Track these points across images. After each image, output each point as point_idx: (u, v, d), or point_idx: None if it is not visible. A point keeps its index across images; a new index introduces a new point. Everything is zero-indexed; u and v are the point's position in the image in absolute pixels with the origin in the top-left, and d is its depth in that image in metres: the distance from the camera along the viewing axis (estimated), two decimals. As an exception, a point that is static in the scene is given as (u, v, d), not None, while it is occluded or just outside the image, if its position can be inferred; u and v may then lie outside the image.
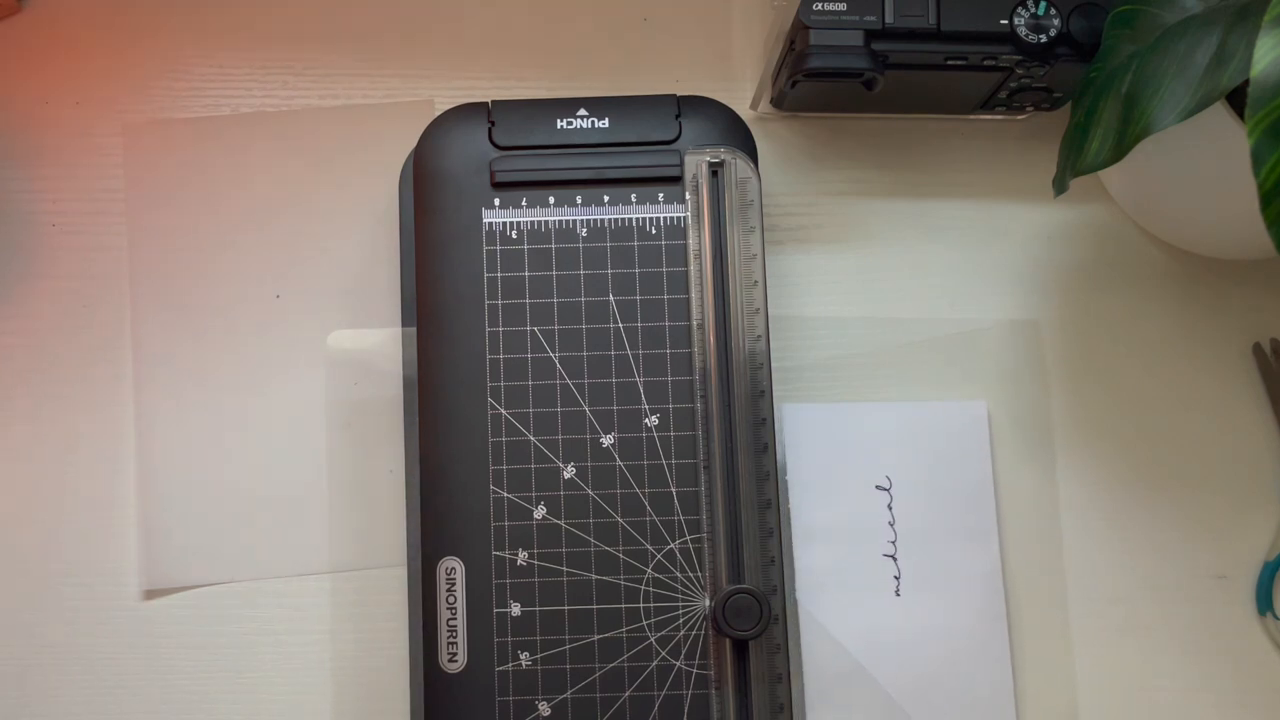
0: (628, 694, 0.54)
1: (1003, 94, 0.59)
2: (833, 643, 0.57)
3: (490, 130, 0.58)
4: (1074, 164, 0.53)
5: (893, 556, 0.58)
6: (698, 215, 0.57)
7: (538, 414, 0.56)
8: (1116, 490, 0.60)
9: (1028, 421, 0.60)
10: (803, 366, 0.61)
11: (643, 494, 0.55)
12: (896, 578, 0.57)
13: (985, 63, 0.56)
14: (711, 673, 0.54)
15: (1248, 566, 0.59)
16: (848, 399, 0.60)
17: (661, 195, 0.57)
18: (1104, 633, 0.59)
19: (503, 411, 0.56)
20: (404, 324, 0.58)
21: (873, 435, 0.59)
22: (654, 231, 0.57)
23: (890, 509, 0.58)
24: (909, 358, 0.61)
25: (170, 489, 0.59)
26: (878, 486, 0.58)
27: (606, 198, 0.57)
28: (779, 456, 0.59)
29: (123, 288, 0.61)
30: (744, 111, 0.61)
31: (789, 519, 0.58)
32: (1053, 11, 0.55)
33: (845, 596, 0.57)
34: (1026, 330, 0.61)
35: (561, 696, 0.54)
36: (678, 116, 0.58)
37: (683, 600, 0.55)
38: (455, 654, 0.54)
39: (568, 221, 0.57)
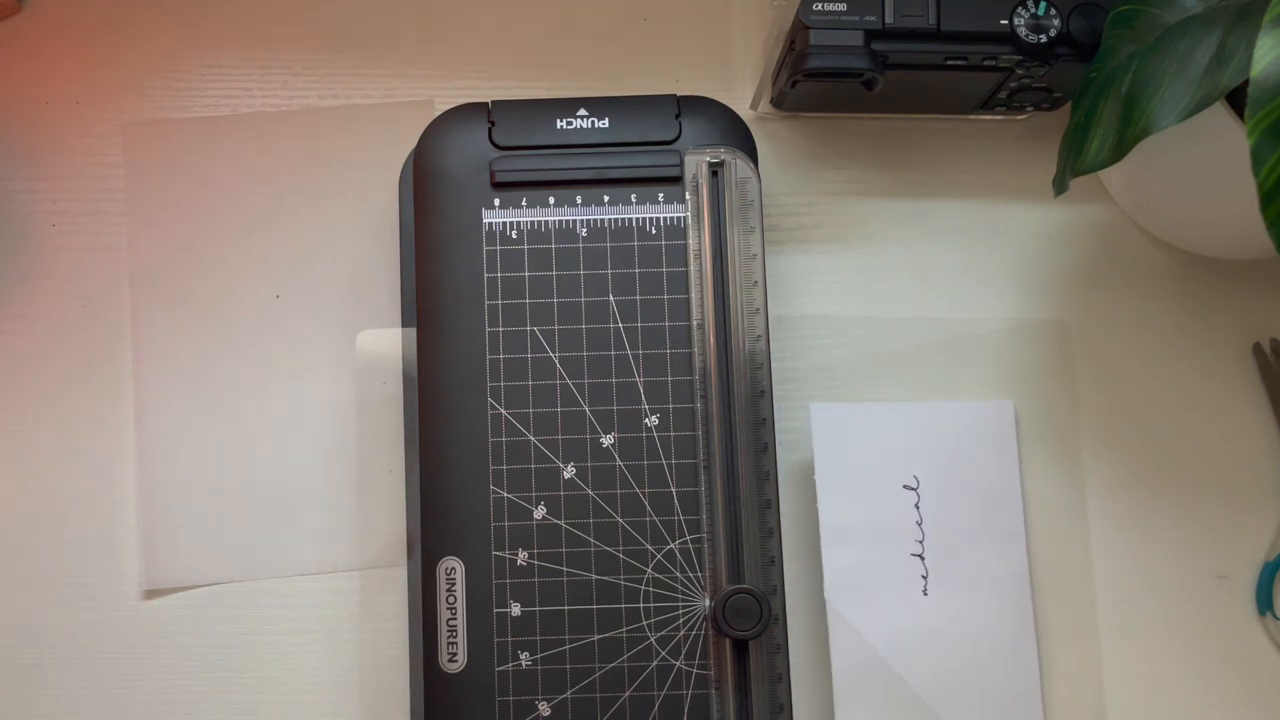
0: (628, 694, 0.54)
1: (1003, 94, 0.59)
2: (861, 641, 0.56)
3: (490, 130, 0.58)
4: (1074, 164, 0.53)
5: (920, 556, 0.58)
6: (698, 215, 0.57)
7: (538, 414, 0.56)
8: (1116, 490, 0.60)
9: (1028, 421, 0.60)
10: (802, 367, 0.61)
11: (643, 494, 0.55)
12: (924, 577, 0.57)
13: (985, 63, 0.56)
14: (711, 673, 0.54)
15: (1248, 566, 0.59)
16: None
17: (661, 195, 0.57)
18: (1104, 633, 0.59)
19: (503, 411, 0.56)
20: (404, 324, 0.58)
21: (900, 435, 0.59)
22: (654, 231, 0.57)
23: (918, 508, 0.58)
24: (909, 358, 0.61)
25: (170, 489, 0.59)
26: (905, 486, 0.58)
27: (606, 198, 0.57)
28: (805, 455, 0.59)
29: (123, 288, 0.61)
30: (744, 111, 0.61)
31: (816, 518, 0.58)
32: (1053, 11, 0.55)
33: (873, 595, 0.57)
34: (1026, 331, 0.61)
35: (561, 696, 0.54)
36: (678, 116, 0.58)
37: (683, 600, 0.55)
38: (455, 654, 0.54)
39: (568, 221, 0.57)
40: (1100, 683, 0.58)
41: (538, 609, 0.54)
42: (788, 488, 0.59)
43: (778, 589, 0.54)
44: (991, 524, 0.58)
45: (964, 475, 0.58)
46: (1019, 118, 0.63)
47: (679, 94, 0.59)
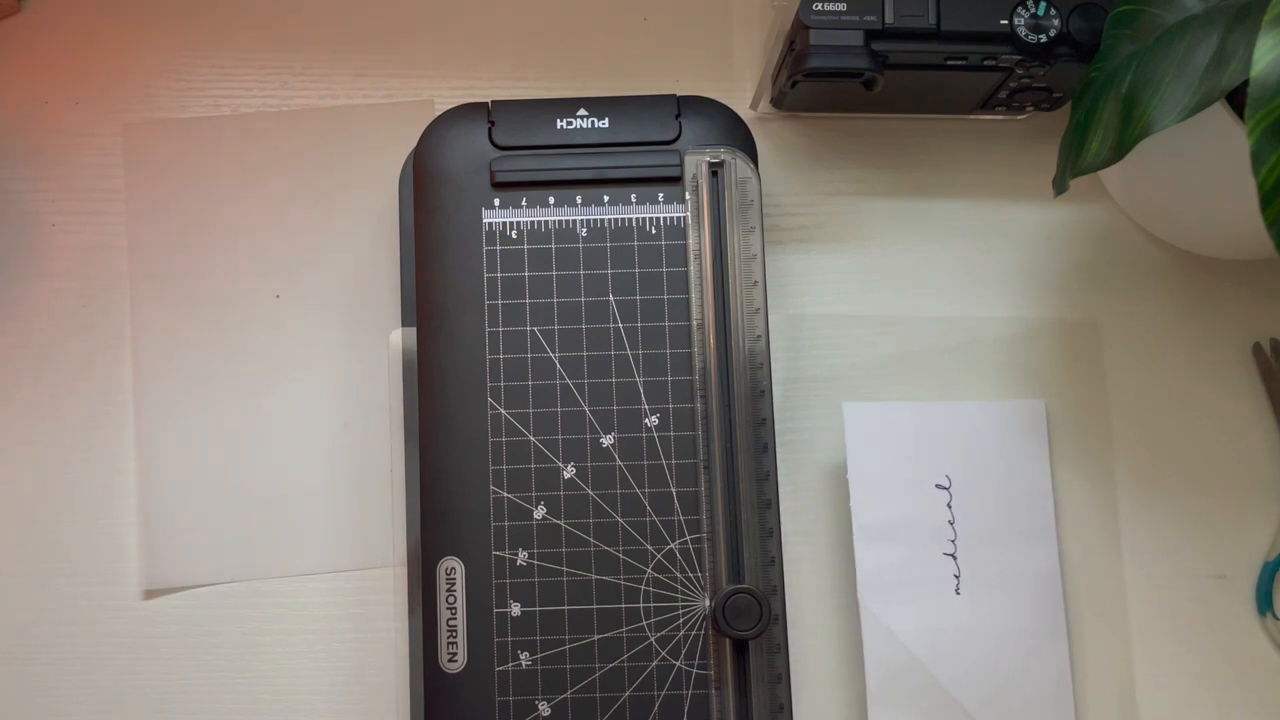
0: (628, 694, 0.54)
1: (1003, 94, 0.59)
2: (894, 640, 0.56)
3: (490, 130, 0.58)
4: (1074, 164, 0.53)
5: (953, 555, 0.58)
6: (698, 215, 0.57)
7: (538, 414, 0.56)
8: (1117, 489, 0.60)
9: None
10: (802, 367, 0.61)
11: (643, 494, 0.55)
12: (956, 576, 0.57)
13: (985, 63, 0.56)
14: (711, 673, 0.54)
15: (1248, 566, 0.59)
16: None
17: (661, 195, 0.57)
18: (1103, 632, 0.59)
19: (503, 411, 0.56)
20: (404, 324, 0.58)
21: (932, 433, 0.59)
22: (654, 231, 0.57)
23: (950, 508, 0.58)
24: (908, 358, 0.61)
25: (170, 489, 0.59)
26: (938, 485, 0.58)
27: (606, 198, 0.57)
28: (840, 454, 0.59)
29: (123, 288, 0.61)
30: (744, 111, 0.61)
31: (849, 517, 0.58)
32: (1053, 11, 0.55)
33: (906, 595, 0.57)
34: (1025, 331, 0.61)
35: (561, 696, 0.54)
36: (678, 116, 0.58)
37: (683, 600, 0.55)
38: (455, 654, 0.54)
39: (568, 221, 0.57)
40: (1132, 682, 0.58)
41: (538, 609, 0.54)
42: (814, 486, 0.59)
43: (778, 589, 0.54)
44: (1023, 523, 0.58)
45: (995, 474, 0.58)
46: (1019, 118, 0.63)
47: (679, 94, 0.59)
